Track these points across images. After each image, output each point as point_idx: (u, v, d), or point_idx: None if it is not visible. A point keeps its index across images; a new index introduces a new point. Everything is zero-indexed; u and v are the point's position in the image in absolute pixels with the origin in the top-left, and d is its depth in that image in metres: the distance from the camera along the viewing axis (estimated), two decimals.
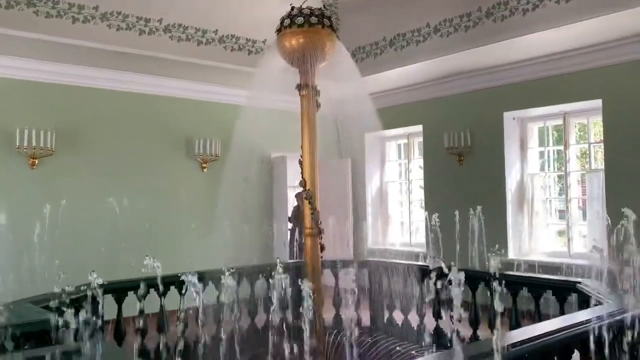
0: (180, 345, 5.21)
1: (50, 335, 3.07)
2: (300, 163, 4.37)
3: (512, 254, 7.34)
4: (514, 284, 4.85)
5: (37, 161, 6.84)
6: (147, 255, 3.73)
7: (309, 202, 4.33)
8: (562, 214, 7.65)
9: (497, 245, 7.29)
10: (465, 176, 8.01)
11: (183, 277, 3.36)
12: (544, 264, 6.86)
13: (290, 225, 9.07)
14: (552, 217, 7.80)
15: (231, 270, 5.48)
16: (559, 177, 7.76)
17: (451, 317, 5.31)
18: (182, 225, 8.11)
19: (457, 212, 7.93)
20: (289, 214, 9.12)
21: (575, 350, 2.96)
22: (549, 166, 7.88)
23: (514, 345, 2.58)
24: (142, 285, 4.94)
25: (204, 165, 8.38)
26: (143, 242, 7.61)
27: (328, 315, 5.94)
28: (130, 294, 4.94)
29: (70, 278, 4.74)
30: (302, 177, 4.34)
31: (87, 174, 7.34)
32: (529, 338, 2.69)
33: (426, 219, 8.39)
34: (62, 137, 7.08)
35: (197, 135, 8.34)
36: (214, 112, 8.53)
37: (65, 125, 7.19)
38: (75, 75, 7.22)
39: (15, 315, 3.26)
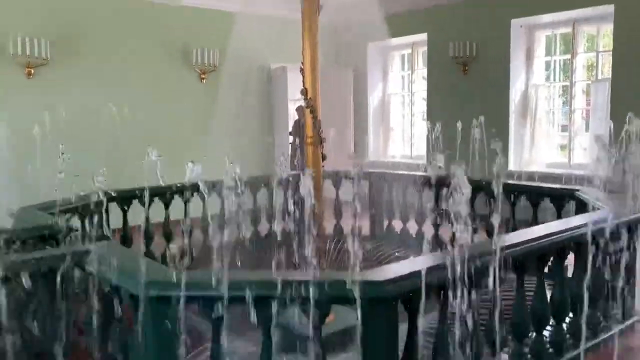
0: (186, 252, 5.39)
1: (59, 240, 3.14)
2: (302, 71, 4.26)
3: (512, 165, 7.37)
4: (513, 192, 4.92)
5: (32, 70, 6.70)
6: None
7: (310, 111, 4.27)
8: (565, 128, 7.61)
9: (497, 155, 7.34)
10: (470, 87, 7.87)
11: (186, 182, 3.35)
12: (544, 174, 6.87)
13: (290, 139, 9.03)
14: (554, 129, 7.75)
15: (234, 176, 5.58)
16: (564, 89, 7.63)
17: (450, 223, 5.45)
18: (182, 136, 8.08)
19: (459, 123, 7.90)
20: (290, 128, 9.06)
21: (570, 252, 3.05)
22: (554, 77, 7.73)
23: (510, 246, 2.64)
24: (146, 193, 5.02)
25: (203, 76, 8.22)
26: (143, 152, 7.63)
27: (328, 225, 6.07)
28: (135, 202, 5.01)
29: (74, 187, 4.78)
30: (304, 86, 4.25)
31: (83, 84, 7.21)
32: (525, 240, 2.75)
33: (428, 129, 8.37)
34: (57, 46, 6.89)
35: (195, 44, 8.10)
36: (212, 20, 8.22)
37: (60, 34, 6.98)
38: None
39: (24, 221, 3.32)
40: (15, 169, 6.60)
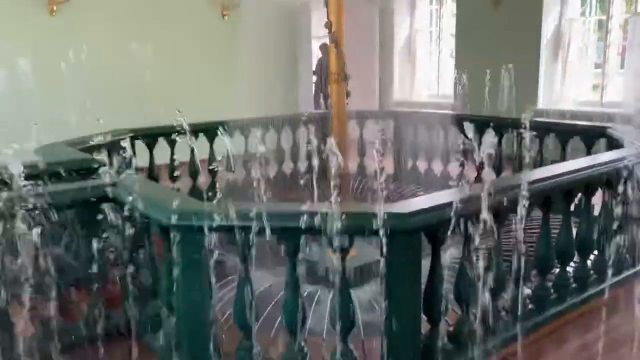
0: (213, 189, 5.47)
1: (87, 174, 3.20)
2: (326, 3, 4.14)
3: (542, 104, 7.17)
4: (541, 130, 4.81)
5: (55, 7, 6.66)
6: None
7: (335, 46, 4.18)
8: (598, 65, 7.32)
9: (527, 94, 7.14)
10: (500, 22, 7.57)
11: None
12: (575, 113, 6.69)
13: (314, 79, 8.92)
14: (587, 66, 7.47)
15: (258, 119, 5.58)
16: (599, 23, 7.29)
17: (476, 162, 5.39)
18: (205, 73, 8.04)
19: (487, 60, 7.66)
20: (313, 67, 8.93)
21: (599, 189, 3.00)
22: (590, 11, 7.37)
23: (537, 181, 2.61)
24: (172, 132, 5.05)
25: (225, 13, 8.06)
26: (167, 91, 7.65)
27: (352, 164, 6.07)
28: (161, 140, 5.06)
29: (100, 124, 4.83)
30: (328, 19, 4.14)
31: (105, 22, 7.16)
32: (552, 175, 2.70)
33: (455, 66, 8.16)
34: None
35: None
36: None
37: None
38: None
39: (53, 156, 3.39)
40: (39, 106, 6.70)
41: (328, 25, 4.12)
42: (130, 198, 2.48)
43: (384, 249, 2.13)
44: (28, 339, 2.57)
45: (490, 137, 2.56)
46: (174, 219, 2.15)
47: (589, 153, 4.42)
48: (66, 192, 2.55)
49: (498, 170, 5.21)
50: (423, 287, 2.31)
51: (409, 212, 2.09)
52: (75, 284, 3.10)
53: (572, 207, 3.04)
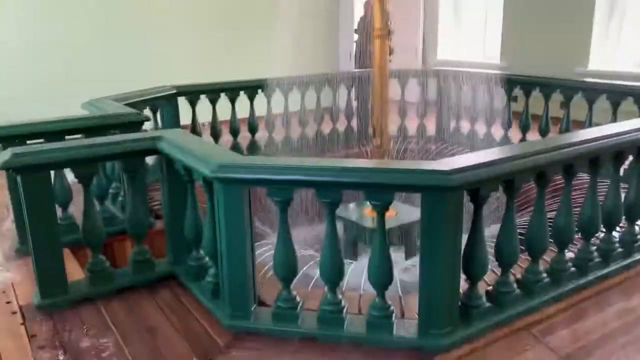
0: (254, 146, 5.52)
1: (135, 128, 3.28)
2: None
3: (593, 65, 6.85)
4: (591, 91, 4.63)
5: None
6: None
7: (379, 1, 4.08)
8: None
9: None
10: None
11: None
12: (630, 74, 6.36)
13: (356, 37, 8.76)
14: None
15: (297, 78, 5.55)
16: None
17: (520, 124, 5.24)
18: (244, 34, 8.00)
19: (537, 18, 7.35)
20: (355, 25, 8.75)
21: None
22: None
23: (585, 141, 2.52)
24: (214, 90, 5.10)
25: None
26: (207, 50, 7.67)
27: (393, 125, 6.00)
28: (203, 97, 5.11)
29: (141, 84, 4.88)
30: None
31: None
32: (601, 136, 2.60)
33: (503, 24, 7.84)
34: None
35: None
36: None
37: None
38: None
39: (100, 110, 3.48)
40: (79, 61, 6.84)
41: None
42: (174, 150, 2.53)
43: (424, 206, 2.12)
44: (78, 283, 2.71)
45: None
46: (216, 171, 2.19)
47: None
48: (113, 143, 2.62)
49: (544, 132, 5.06)
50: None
51: (450, 170, 2.06)
52: (122, 232, 3.23)
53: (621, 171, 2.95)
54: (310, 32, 8.01)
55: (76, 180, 2.60)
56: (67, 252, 3.05)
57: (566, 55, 6.95)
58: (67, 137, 3.07)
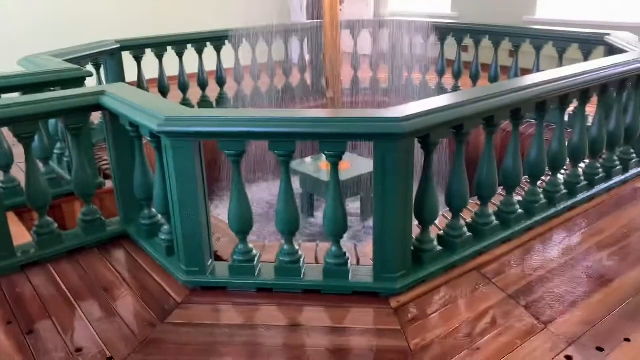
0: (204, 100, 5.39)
1: (76, 84, 3.13)
2: None
3: (540, 13, 6.93)
4: (538, 38, 4.70)
5: None
6: None
7: None
8: None
9: None
10: None
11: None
12: (574, 23, 6.48)
13: None
14: None
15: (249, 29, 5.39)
16: None
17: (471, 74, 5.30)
18: None
19: None
20: None
21: (594, 95, 2.97)
22: None
23: (531, 86, 2.56)
24: (159, 43, 4.90)
25: None
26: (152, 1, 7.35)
27: (346, 79, 5.95)
28: (149, 52, 4.91)
29: (86, 37, 4.68)
30: None
31: None
32: (547, 80, 2.66)
33: None
34: None
35: None
36: None
37: None
38: None
39: (37, 66, 3.29)
40: (17, 17, 6.45)
41: None
42: (119, 105, 2.44)
43: (376, 154, 2.13)
44: (25, 246, 2.62)
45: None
46: (164, 125, 2.12)
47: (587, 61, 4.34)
48: (53, 99, 2.49)
49: (494, 81, 5.14)
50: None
51: (401, 117, 2.06)
52: (69, 194, 3.13)
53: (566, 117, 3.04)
54: None
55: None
56: (11, 216, 2.95)
57: (514, 3, 7.01)
58: (2, 95, 2.92)
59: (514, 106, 2.50)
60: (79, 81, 3.15)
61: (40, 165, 3.01)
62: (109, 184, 3.43)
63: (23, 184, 2.62)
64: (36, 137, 2.88)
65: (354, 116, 2.22)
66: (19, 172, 3.14)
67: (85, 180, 2.70)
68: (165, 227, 2.55)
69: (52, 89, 2.99)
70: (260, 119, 2.17)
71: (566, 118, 3.33)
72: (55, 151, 3.60)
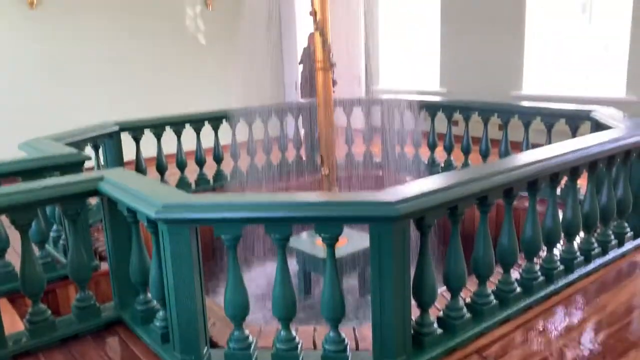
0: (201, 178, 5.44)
1: (73, 169, 3.17)
2: None
3: (527, 89, 7.19)
4: (526, 114, 4.84)
5: (35, 0, 6.55)
6: None
7: (320, 34, 4.16)
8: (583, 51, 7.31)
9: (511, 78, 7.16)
10: (484, 6, 7.55)
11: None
12: (560, 98, 6.71)
13: (301, 68, 8.87)
14: (572, 52, 7.48)
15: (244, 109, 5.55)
16: (583, 8, 7.28)
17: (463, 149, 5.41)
18: (191, 65, 7.99)
19: (474, 46, 7.67)
20: (299, 55, 8.87)
21: (584, 172, 3.03)
22: None
23: (523, 165, 2.62)
24: (158, 124, 5.02)
25: (208, 2, 7.99)
26: (153, 82, 7.60)
27: (340, 153, 6.06)
28: (147, 132, 5.02)
29: (86, 120, 4.80)
30: (313, 7, 4.12)
31: (86, 14, 7.07)
32: (538, 159, 2.72)
33: (441, 53, 8.14)
34: None
35: None
36: None
37: None
38: None
39: (37, 151, 3.35)
40: (21, 101, 6.63)
41: (313, 14, 4.10)
42: (117, 191, 2.47)
43: (372, 237, 2.14)
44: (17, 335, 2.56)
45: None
46: (161, 212, 2.14)
47: (574, 137, 4.46)
48: (51, 187, 2.52)
49: (485, 155, 5.24)
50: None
51: (395, 200, 2.10)
52: (64, 277, 3.09)
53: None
54: (255, 63, 8.05)
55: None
56: (4, 302, 2.90)
57: (502, 79, 7.27)
58: (2, 180, 2.95)
59: (506, 186, 2.54)
60: (77, 165, 3.20)
61: (36, 249, 2.99)
62: (104, 265, 3.41)
63: (17, 267, 2.61)
64: (33, 222, 2.89)
65: (349, 200, 2.26)
66: (12, 253, 3.12)
67: (81, 265, 2.69)
68: (161, 312, 2.52)
69: (52, 174, 3.04)
70: (257, 204, 2.20)
71: (558, 191, 3.38)
72: (52, 233, 3.59)
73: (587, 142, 3.05)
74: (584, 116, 4.34)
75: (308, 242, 5.01)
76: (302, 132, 6.25)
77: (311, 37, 7.47)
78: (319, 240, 4.90)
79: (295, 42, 8.86)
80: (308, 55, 8.03)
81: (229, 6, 7.98)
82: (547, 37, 7.23)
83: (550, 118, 4.65)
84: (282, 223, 2.16)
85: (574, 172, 2.95)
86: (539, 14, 7.16)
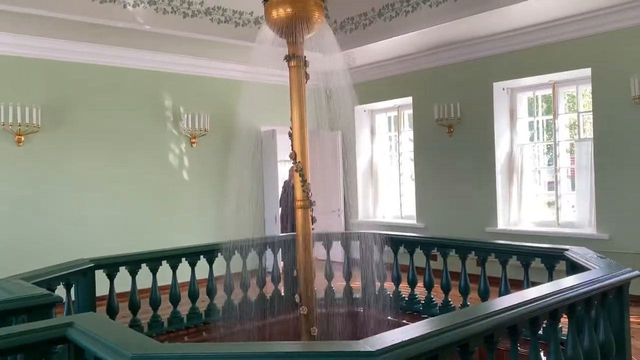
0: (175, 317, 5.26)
1: (43, 310, 3.06)
2: (290, 135, 4.33)
3: (501, 224, 7.40)
4: (503, 253, 4.91)
5: (23, 138, 6.74)
6: None
7: (299, 175, 4.31)
8: (552, 185, 7.71)
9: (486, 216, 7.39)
10: (455, 147, 8.02)
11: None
12: (533, 233, 6.93)
13: (281, 203, 9.06)
14: (541, 187, 7.85)
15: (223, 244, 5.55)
16: (548, 147, 7.80)
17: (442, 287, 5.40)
18: (174, 200, 8.10)
19: (446, 183, 7.99)
20: (280, 190, 9.10)
21: (563, 314, 3.02)
22: (538, 136, 7.90)
23: (502, 310, 2.61)
24: (133, 261, 4.95)
25: (193, 141, 8.31)
26: (133, 219, 7.63)
27: (320, 287, 5.98)
28: (122, 269, 4.93)
29: (62, 255, 4.73)
30: (292, 150, 4.31)
31: (74, 150, 7.27)
32: (517, 303, 2.72)
33: (416, 189, 8.44)
34: (47, 113, 6.97)
35: (185, 109, 8.25)
36: (202, 86, 8.44)
37: (51, 101, 7.07)
38: (59, 49, 7.07)
39: (6, 292, 3.24)
40: (5, 235, 6.55)
41: (293, 156, 4.28)
42: (85, 339, 2.35)
43: None
44: None
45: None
46: None
47: (550, 275, 4.51)
48: (13, 335, 2.40)
49: (465, 292, 5.22)
50: None
51: (376, 350, 2.04)
52: None
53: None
54: (235, 198, 8.21)
55: None
56: None
57: (476, 216, 7.49)
58: None
59: (487, 332, 2.51)
60: (47, 307, 3.08)
61: None
62: None
63: None
64: None
65: (328, 350, 2.18)
66: None
67: None
68: None
69: (19, 317, 2.91)
70: (229, 355, 2.11)
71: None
72: None
73: (564, 284, 3.08)
74: (558, 255, 4.42)
75: None
76: (280, 266, 6.21)
77: (292, 170, 7.75)
78: None
79: (276, 175, 9.11)
80: (287, 191, 8.26)
81: (210, 144, 8.31)
82: (516, 177, 7.61)
83: (525, 257, 4.73)
84: None
85: (553, 315, 2.93)
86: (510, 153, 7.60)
